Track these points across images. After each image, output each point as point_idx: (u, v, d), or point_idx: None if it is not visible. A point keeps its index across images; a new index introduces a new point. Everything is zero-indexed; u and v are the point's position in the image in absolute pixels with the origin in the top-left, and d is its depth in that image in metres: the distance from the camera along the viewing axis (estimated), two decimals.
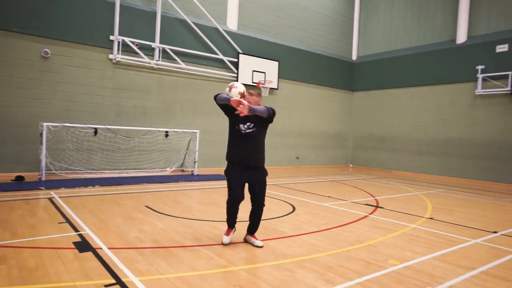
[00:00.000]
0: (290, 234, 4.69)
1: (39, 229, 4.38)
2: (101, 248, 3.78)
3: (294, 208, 6.28)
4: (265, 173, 4.20)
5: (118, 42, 9.79)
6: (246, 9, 12.66)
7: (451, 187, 10.56)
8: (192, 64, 11.19)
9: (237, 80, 11.96)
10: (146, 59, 10.23)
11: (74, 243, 3.93)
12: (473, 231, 5.26)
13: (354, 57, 16.29)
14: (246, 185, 4.12)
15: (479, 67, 11.92)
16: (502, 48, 11.57)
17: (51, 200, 6.12)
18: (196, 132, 10.50)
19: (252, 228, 4.21)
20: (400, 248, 4.25)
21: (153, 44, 10.38)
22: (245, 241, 4.25)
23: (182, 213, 5.63)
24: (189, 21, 10.99)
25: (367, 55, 15.88)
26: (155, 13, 10.48)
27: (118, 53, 9.80)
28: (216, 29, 11.68)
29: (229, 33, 12.01)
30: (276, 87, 12.97)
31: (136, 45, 10.09)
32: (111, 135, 9.64)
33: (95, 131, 9.29)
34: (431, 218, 6.01)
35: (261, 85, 12.44)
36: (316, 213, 6.03)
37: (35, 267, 3.20)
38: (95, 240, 4.06)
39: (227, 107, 4.05)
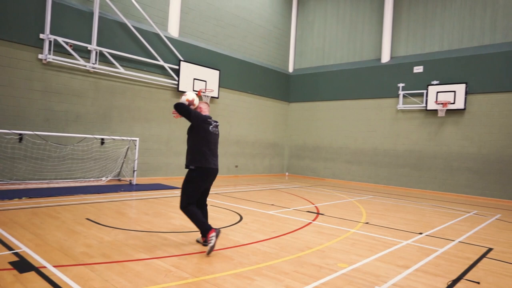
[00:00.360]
0: (242, 242, 4.78)
1: None
2: (45, 267, 3.50)
3: (241, 217, 6.38)
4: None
5: (50, 41, 9.09)
6: (187, 16, 12.59)
7: (379, 193, 11.55)
8: (131, 69, 10.80)
9: (178, 88, 11.81)
10: (81, 61, 9.63)
11: (11, 263, 3.58)
12: (403, 233, 5.86)
13: (290, 69, 17.04)
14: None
15: (400, 85, 13.29)
16: (418, 69, 13.05)
17: None
18: (135, 140, 10.11)
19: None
20: (345, 252, 4.59)
21: (89, 46, 9.82)
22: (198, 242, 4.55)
23: (129, 225, 5.40)
24: (129, 25, 10.62)
25: (303, 68, 16.73)
26: (92, 13, 9.95)
27: (49, 53, 9.09)
28: (157, 35, 11.44)
29: (170, 39, 11.83)
30: (217, 96, 13.04)
31: (70, 45, 9.46)
32: (40, 142, 8.86)
33: (20, 137, 8.48)
34: (367, 223, 6.54)
35: (201, 94, 12.42)
36: (263, 221, 6.21)
37: None
38: (36, 258, 3.74)
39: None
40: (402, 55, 13.72)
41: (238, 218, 6.33)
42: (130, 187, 9.25)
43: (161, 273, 3.51)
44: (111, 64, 10.29)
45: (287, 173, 16.63)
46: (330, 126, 15.33)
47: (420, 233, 5.95)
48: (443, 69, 12.43)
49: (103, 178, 10.07)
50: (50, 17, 9.08)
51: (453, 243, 5.41)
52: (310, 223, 6.26)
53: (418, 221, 7.05)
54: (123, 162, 10.44)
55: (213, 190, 9.79)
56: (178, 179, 11.77)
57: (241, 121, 14.52)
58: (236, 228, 5.60)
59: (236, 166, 14.38)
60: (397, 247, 5.00)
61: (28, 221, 5.23)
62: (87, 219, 5.61)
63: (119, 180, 10.43)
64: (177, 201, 7.50)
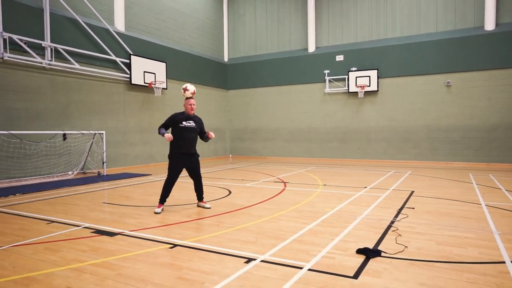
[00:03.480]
0: (249, 204, 6.15)
1: None
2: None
3: (229, 191, 7.68)
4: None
5: (4, 39, 9.00)
6: (131, 10, 12.95)
7: (315, 165, 13.70)
8: (85, 64, 11.01)
9: (130, 81, 12.28)
10: (38, 58, 9.65)
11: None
12: (353, 188, 7.80)
13: (226, 59, 18.26)
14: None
15: (326, 71, 15.53)
16: (339, 58, 15.41)
17: None
18: (102, 133, 10.53)
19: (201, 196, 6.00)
20: (325, 202, 6.28)
21: (43, 43, 9.85)
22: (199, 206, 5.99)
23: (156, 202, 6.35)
24: (80, 21, 10.77)
25: (237, 57, 18.08)
26: (42, 10, 9.93)
27: (5, 52, 9.01)
28: (106, 30, 11.71)
29: (119, 34, 12.17)
30: (165, 87, 13.75)
31: (25, 43, 9.43)
32: (2, 141, 8.86)
33: None
34: (325, 185, 8.39)
35: (152, 86, 13.05)
36: (248, 191, 7.62)
37: None
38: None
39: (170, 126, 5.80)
40: (325, 46, 15.95)
41: (227, 192, 7.62)
42: (105, 177, 9.78)
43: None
44: (66, 60, 10.41)
45: (230, 155, 18.05)
46: (267, 110, 17.07)
47: (365, 187, 7.98)
48: (359, 57, 14.94)
49: (70, 172, 10.34)
50: (1, 14, 8.96)
51: (389, 191, 7.51)
52: (284, 189, 7.86)
53: (359, 180, 9.16)
54: (87, 156, 10.77)
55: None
56: (136, 168, 12.41)
57: None
58: (233, 197, 6.92)
59: None
60: (356, 196, 6.88)
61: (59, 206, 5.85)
62: (103, 202, 6.38)
63: (84, 173, 10.76)
64: (146, 185, 8.46)
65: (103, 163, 10.54)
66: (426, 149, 13.87)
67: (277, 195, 7.10)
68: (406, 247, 3.80)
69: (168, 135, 5.47)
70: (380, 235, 4.26)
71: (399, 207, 5.83)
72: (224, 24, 18.06)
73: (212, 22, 17.20)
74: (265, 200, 6.53)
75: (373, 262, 3.37)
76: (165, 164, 13.98)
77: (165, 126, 5.72)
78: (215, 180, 9.46)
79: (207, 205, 5.94)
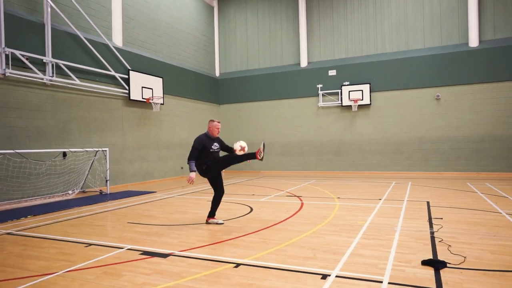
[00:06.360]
0: (278, 221, 6.15)
1: None
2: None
3: (251, 208, 7.62)
4: None
5: (6, 54, 8.68)
6: (128, 26, 12.83)
7: (313, 178, 13.87)
8: (85, 80, 10.76)
9: (129, 97, 12.09)
10: (40, 74, 9.35)
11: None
12: (370, 201, 7.97)
13: (217, 73, 18.32)
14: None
15: (319, 86, 15.89)
16: (332, 72, 15.83)
17: None
18: (106, 150, 10.25)
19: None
20: (353, 215, 6.38)
21: (44, 59, 9.56)
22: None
23: (180, 219, 6.22)
24: (81, 36, 10.56)
25: (228, 72, 18.19)
26: (43, 25, 9.68)
27: (7, 68, 8.68)
28: (105, 45, 11.53)
29: (117, 49, 12.00)
30: (162, 103, 13.60)
31: (27, 58, 9.13)
32: (2, 160, 8.46)
33: None
34: (339, 197, 8.52)
35: (150, 101, 12.88)
36: (269, 206, 7.61)
37: None
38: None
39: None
40: (317, 61, 16.35)
41: (247, 207, 7.59)
42: (110, 196, 9.48)
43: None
44: (67, 76, 10.14)
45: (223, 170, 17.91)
46: (260, 124, 17.18)
47: (379, 199, 8.17)
48: (351, 72, 15.42)
49: (70, 192, 9.95)
50: (4, 29, 8.67)
51: (404, 202, 7.72)
52: (302, 203, 7.91)
53: (368, 192, 9.36)
54: (87, 174, 10.42)
55: (188, 190, 10.66)
56: (136, 185, 12.12)
57: (183, 124, 15.29)
58: (258, 213, 6.90)
59: (182, 168, 15.12)
60: (377, 208, 7.03)
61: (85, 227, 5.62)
62: (129, 222, 6.19)
63: (84, 192, 10.39)
64: (159, 203, 8.32)
65: (107, 181, 10.24)
66: (418, 160, 14.37)
67: (300, 209, 7.14)
68: (464, 257, 3.94)
69: (192, 178, 5.48)
70: (430, 246, 4.39)
71: (427, 218, 6.01)
72: (215, 39, 18.18)
73: (204, 37, 17.28)
74: (292, 215, 6.56)
75: (445, 273, 3.47)
76: (162, 181, 13.81)
77: (196, 154, 5.65)
78: (227, 196, 9.37)
79: (220, 221, 6.00)
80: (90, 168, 10.42)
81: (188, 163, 5.60)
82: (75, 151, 9.81)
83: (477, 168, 13.50)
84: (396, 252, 4.17)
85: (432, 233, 5.01)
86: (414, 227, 5.38)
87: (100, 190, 10.26)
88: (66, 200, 9.11)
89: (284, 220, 6.14)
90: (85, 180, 10.44)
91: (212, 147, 5.80)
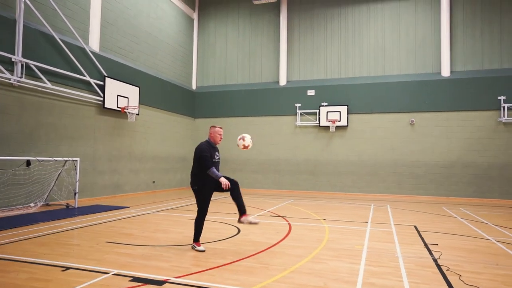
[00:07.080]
0: (273, 242, 5.81)
1: None
2: None
3: (238, 229, 7.18)
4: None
5: None
6: (107, 30, 12.23)
7: (289, 197, 13.65)
8: (58, 84, 10.00)
9: (103, 105, 11.39)
10: (7, 74, 8.54)
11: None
12: (356, 223, 7.81)
13: (194, 86, 17.90)
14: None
15: (297, 105, 15.90)
16: (311, 92, 15.93)
17: None
18: (76, 161, 9.46)
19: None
20: (347, 239, 6.16)
21: (13, 57, 8.78)
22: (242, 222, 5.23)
23: (158, 240, 5.69)
24: (56, 37, 9.86)
25: (205, 86, 17.84)
26: (15, 21, 8.93)
27: None
28: (81, 48, 10.85)
29: (93, 53, 11.34)
30: (138, 113, 12.96)
31: None
32: None
33: None
34: (324, 219, 8.31)
35: (125, 111, 12.23)
36: (257, 227, 7.20)
37: None
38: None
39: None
40: (296, 80, 16.42)
41: (234, 228, 7.17)
42: (78, 211, 8.68)
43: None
44: (37, 78, 9.37)
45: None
46: (236, 140, 16.79)
47: (366, 222, 8.04)
48: (330, 93, 15.59)
49: (32, 205, 9.03)
50: None
51: (392, 225, 7.64)
52: (290, 224, 7.61)
53: (353, 214, 9.24)
54: (53, 185, 9.54)
55: (163, 207, 10.05)
56: (105, 199, 11.31)
57: (157, 136, 14.65)
58: (247, 234, 6.51)
59: (154, 182, 14.40)
60: (368, 232, 6.87)
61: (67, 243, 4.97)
62: (107, 242, 5.59)
63: (48, 204, 9.48)
64: (135, 220, 7.75)
65: (75, 193, 9.42)
66: (392, 183, 14.60)
67: (290, 231, 6.84)
68: None
69: (227, 182, 5.00)
70: (439, 275, 4.22)
71: (422, 244, 5.91)
72: (193, 50, 17.84)
73: (182, 49, 16.90)
74: (284, 238, 6.24)
75: None
76: (133, 195, 13.00)
77: (211, 161, 5.19)
78: (209, 214, 8.86)
79: (254, 220, 5.33)
80: (56, 179, 9.57)
81: (208, 173, 5.06)
82: (42, 160, 8.98)
83: (447, 193, 13.91)
84: (410, 281, 3.96)
85: (435, 260, 4.88)
86: (413, 253, 5.23)
87: (67, 204, 9.42)
88: (28, 213, 8.23)
89: (277, 243, 5.80)
90: (49, 192, 9.55)
91: (215, 156, 5.36)
